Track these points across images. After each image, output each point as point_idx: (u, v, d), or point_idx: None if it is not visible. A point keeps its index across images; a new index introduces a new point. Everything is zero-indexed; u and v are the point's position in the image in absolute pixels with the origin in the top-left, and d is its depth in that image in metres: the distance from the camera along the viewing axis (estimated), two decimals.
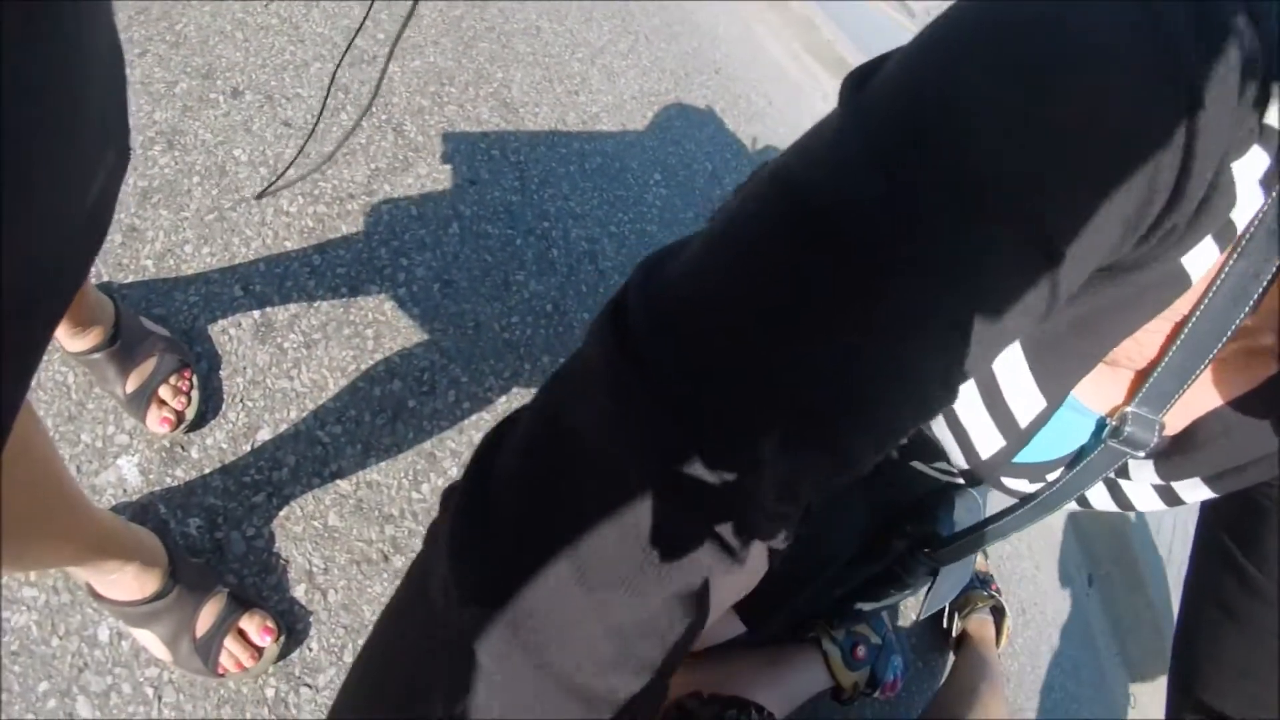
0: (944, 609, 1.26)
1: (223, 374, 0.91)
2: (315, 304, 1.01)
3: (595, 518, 0.26)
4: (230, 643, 0.72)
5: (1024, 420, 0.41)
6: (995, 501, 0.62)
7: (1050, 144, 0.24)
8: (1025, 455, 0.44)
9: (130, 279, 0.92)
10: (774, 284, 0.26)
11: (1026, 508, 0.52)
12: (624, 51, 1.93)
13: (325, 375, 0.97)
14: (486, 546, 0.28)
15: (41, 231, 0.29)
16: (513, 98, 1.52)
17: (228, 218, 1.03)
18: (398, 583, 0.86)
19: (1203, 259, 0.31)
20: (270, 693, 0.75)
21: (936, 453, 0.59)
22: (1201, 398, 0.40)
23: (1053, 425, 0.42)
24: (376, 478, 0.92)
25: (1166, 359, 0.37)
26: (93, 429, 0.81)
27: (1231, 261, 0.31)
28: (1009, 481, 0.48)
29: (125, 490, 0.80)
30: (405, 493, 0.93)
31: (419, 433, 0.98)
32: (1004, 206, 0.24)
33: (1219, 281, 0.32)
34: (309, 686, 0.77)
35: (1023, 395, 0.40)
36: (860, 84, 0.28)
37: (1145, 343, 0.37)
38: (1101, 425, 0.43)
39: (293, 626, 0.79)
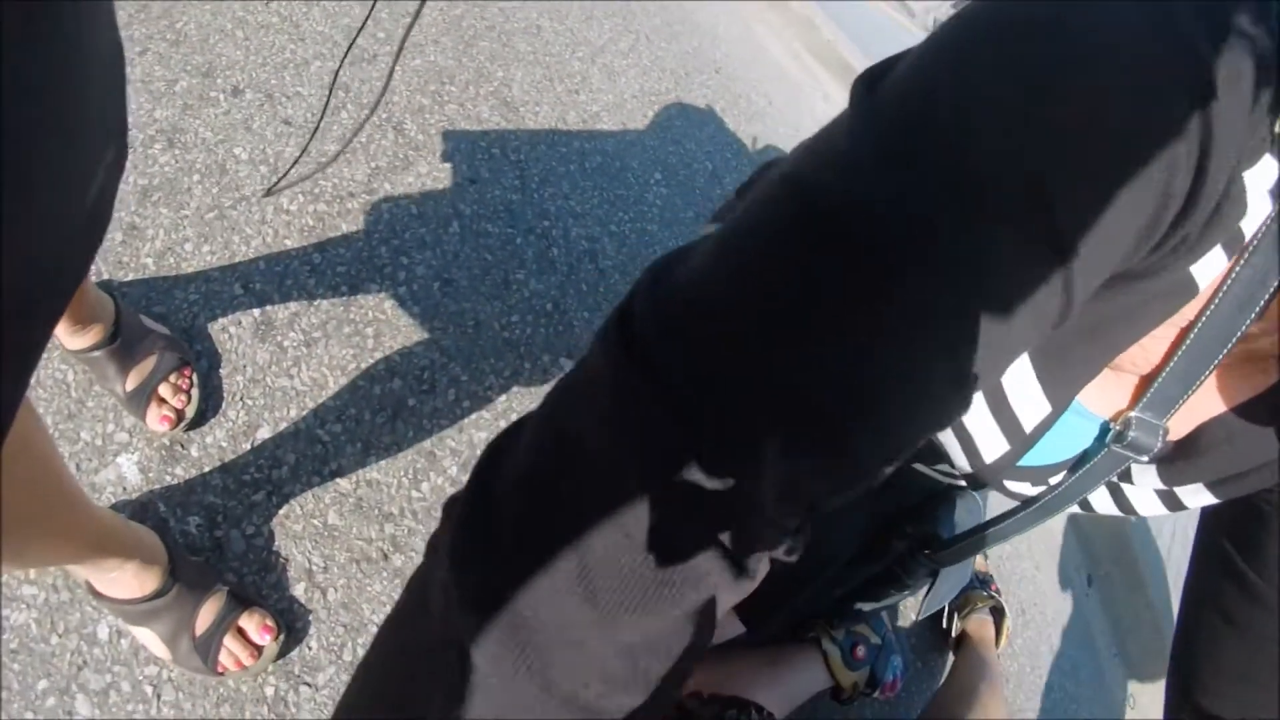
0: (943, 609, 1.26)
1: (223, 372, 0.91)
2: (315, 302, 1.01)
3: (600, 529, 0.26)
4: (230, 641, 0.72)
5: (1029, 425, 0.41)
6: (996, 503, 0.62)
7: (1063, 145, 0.24)
8: (1029, 459, 0.44)
9: (130, 277, 0.92)
10: (785, 286, 0.25)
11: (1028, 511, 0.52)
12: (624, 51, 1.93)
13: (325, 373, 0.96)
14: (489, 558, 0.27)
15: (41, 231, 0.29)
16: (513, 96, 1.52)
17: (228, 216, 1.03)
18: (397, 581, 0.86)
19: (1211, 267, 0.31)
20: (269, 691, 0.75)
21: (938, 455, 0.59)
22: (1205, 403, 0.40)
23: (1057, 429, 0.42)
24: (376, 476, 0.92)
25: (1171, 364, 0.37)
26: (92, 427, 0.81)
27: (1238, 268, 0.31)
28: (1011, 485, 0.48)
29: (125, 488, 0.80)
30: (405, 491, 0.93)
31: (419, 431, 0.98)
32: (1014, 207, 0.24)
33: (1225, 288, 0.32)
34: (308, 685, 0.77)
35: (1028, 400, 0.40)
36: (872, 85, 0.28)
37: (1150, 348, 0.37)
38: (1105, 429, 0.43)
39: (292, 625, 0.79)
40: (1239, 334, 0.34)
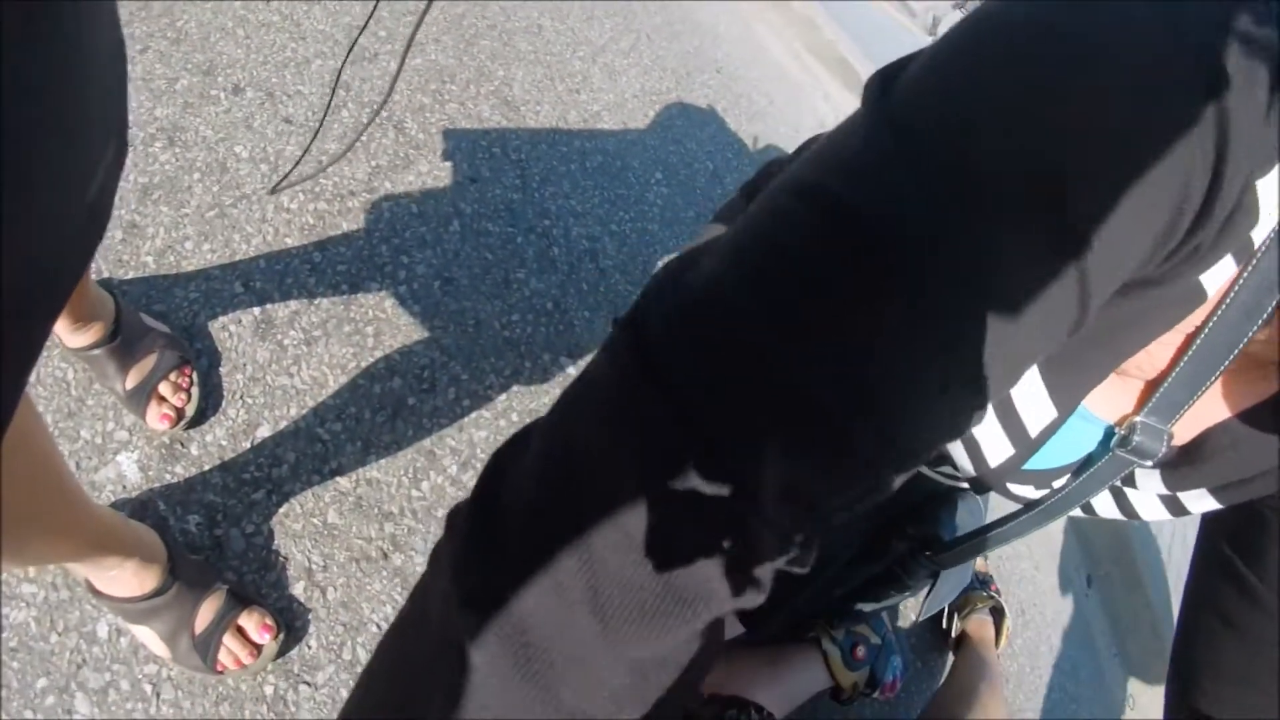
0: (943, 609, 1.26)
1: (223, 371, 0.91)
2: (316, 301, 1.01)
3: (601, 530, 0.25)
4: (229, 640, 0.72)
5: (1034, 429, 0.41)
6: (997, 505, 0.62)
7: (1074, 146, 0.24)
8: (1033, 462, 0.44)
9: (131, 275, 0.92)
10: (800, 290, 0.25)
11: (1030, 514, 0.52)
12: (625, 50, 1.92)
13: (325, 372, 0.96)
14: (491, 560, 0.27)
15: (41, 231, 0.29)
16: (514, 96, 1.51)
17: (228, 214, 1.03)
18: (397, 580, 0.86)
19: (1220, 275, 0.31)
20: (269, 690, 0.75)
21: (942, 457, 0.59)
22: (1210, 409, 0.40)
23: (1061, 433, 0.42)
24: (376, 475, 0.92)
25: (1177, 370, 0.36)
26: (92, 425, 0.81)
27: (1246, 274, 0.31)
28: (1015, 488, 0.48)
29: (125, 486, 0.79)
30: (405, 490, 0.93)
31: (419, 430, 0.98)
32: (1024, 208, 0.24)
33: (1233, 294, 0.32)
34: (307, 684, 0.77)
35: (1034, 405, 0.40)
36: (885, 87, 0.28)
37: (1156, 353, 0.37)
38: (1110, 434, 0.43)
39: (291, 624, 0.79)
40: (1245, 340, 0.33)
